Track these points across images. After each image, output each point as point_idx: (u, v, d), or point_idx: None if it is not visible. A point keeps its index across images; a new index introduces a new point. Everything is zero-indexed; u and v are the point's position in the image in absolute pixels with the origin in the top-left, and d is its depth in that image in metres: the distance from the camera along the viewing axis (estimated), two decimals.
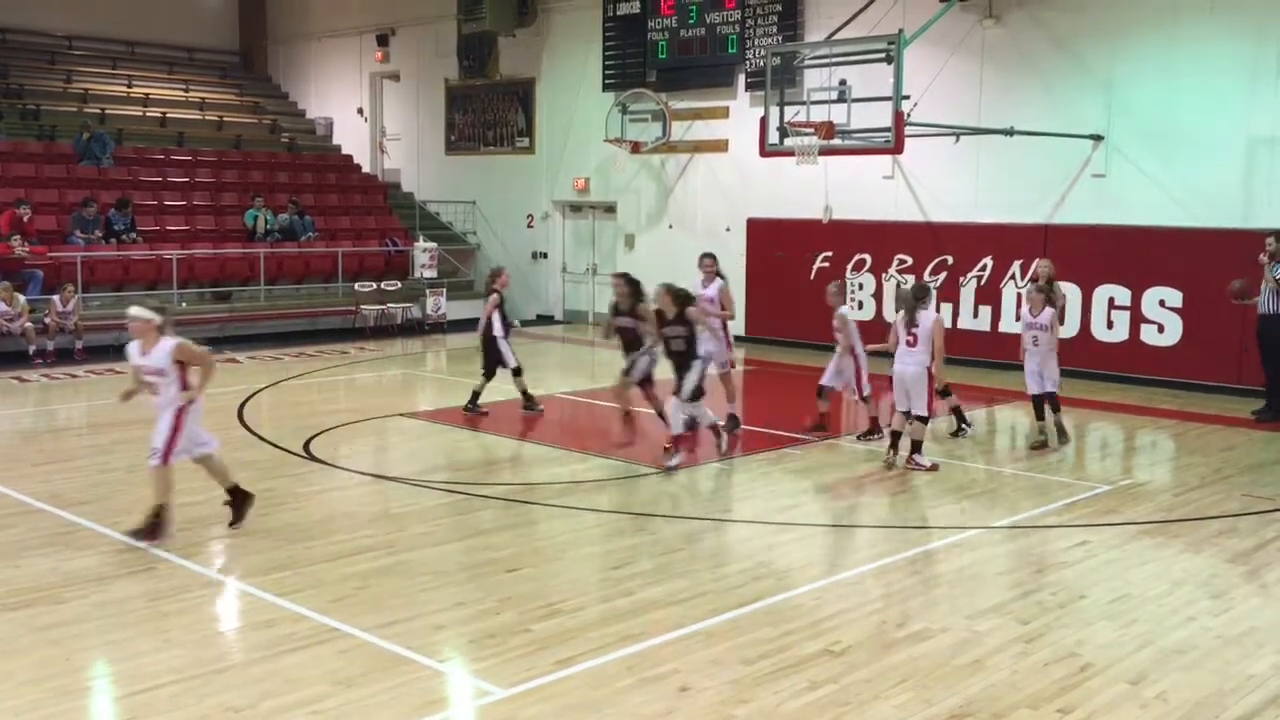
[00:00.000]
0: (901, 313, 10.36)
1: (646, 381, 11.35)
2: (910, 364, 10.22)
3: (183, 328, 18.89)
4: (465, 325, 21.96)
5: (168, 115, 24.47)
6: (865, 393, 11.76)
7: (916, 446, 10.36)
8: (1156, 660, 6.17)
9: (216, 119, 25.27)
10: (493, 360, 12.85)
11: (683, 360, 10.38)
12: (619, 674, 5.89)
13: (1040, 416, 11.52)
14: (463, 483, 9.89)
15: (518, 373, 12.87)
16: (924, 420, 10.31)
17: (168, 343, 7.94)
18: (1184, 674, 5.99)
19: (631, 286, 11.28)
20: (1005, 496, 9.76)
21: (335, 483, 10.08)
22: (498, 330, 12.80)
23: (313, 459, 10.77)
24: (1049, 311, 11.38)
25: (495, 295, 12.83)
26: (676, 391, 10.37)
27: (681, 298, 10.49)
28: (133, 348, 8.13)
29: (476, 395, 12.85)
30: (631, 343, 11.25)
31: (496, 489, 9.73)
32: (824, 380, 11.86)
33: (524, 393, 12.90)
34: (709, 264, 12.19)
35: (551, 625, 6.54)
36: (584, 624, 6.57)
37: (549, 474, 10.37)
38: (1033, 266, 15.20)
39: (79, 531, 8.35)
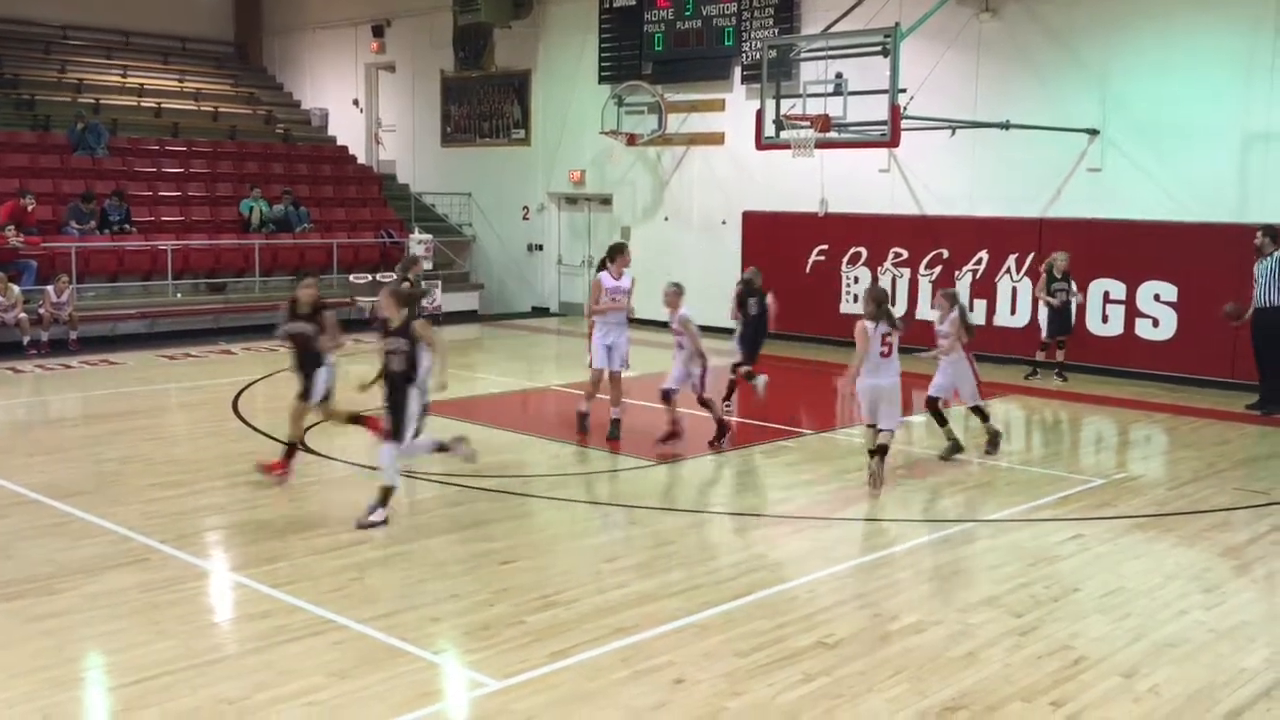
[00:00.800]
0: (881, 322, 9.37)
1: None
2: (890, 376, 9.42)
3: (178, 319, 18.96)
4: (461, 317, 21.98)
5: (162, 106, 24.40)
6: (706, 394, 11.18)
7: (883, 451, 9.54)
8: (1149, 653, 6.19)
9: (211, 110, 25.21)
10: None
11: (398, 385, 8.36)
12: (613, 666, 5.90)
13: (942, 422, 10.86)
14: (458, 475, 9.88)
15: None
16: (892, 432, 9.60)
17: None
18: (1176, 667, 6.01)
19: (320, 292, 9.65)
20: (999, 490, 9.77)
21: (331, 474, 10.08)
22: None
23: (308, 451, 10.76)
24: (951, 318, 10.74)
25: (409, 284, 12.63)
26: (391, 434, 8.37)
27: (406, 299, 8.66)
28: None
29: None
30: (307, 356, 9.64)
31: (491, 481, 9.73)
32: (669, 384, 11.03)
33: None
34: (673, 294, 11.29)
35: (546, 617, 6.55)
36: (578, 616, 6.57)
37: (545, 466, 10.37)
38: (1048, 259, 15.23)
39: (73, 522, 8.34)
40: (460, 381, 13.21)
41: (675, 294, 11.19)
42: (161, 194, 21.18)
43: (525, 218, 23.43)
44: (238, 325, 19.11)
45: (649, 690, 5.63)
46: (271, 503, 8.94)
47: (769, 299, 13.01)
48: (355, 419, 9.93)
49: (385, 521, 8.24)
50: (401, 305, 8.52)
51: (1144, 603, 6.99)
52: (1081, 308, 15.59)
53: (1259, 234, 13.16)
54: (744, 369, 12.64)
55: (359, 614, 6.53)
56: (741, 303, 13.01)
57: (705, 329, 20.10)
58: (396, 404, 8.36)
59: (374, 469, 10.15)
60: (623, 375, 11.49)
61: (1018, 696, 5.60)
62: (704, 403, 11.19)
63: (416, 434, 8.98)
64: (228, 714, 5.31)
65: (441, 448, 9.04)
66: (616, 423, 11.33)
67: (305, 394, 9.62)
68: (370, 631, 6.30)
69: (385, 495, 8.35)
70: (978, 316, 16.98)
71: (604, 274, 11.50)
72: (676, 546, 7.94)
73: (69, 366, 15.95)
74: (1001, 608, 6.82)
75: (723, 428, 11.25)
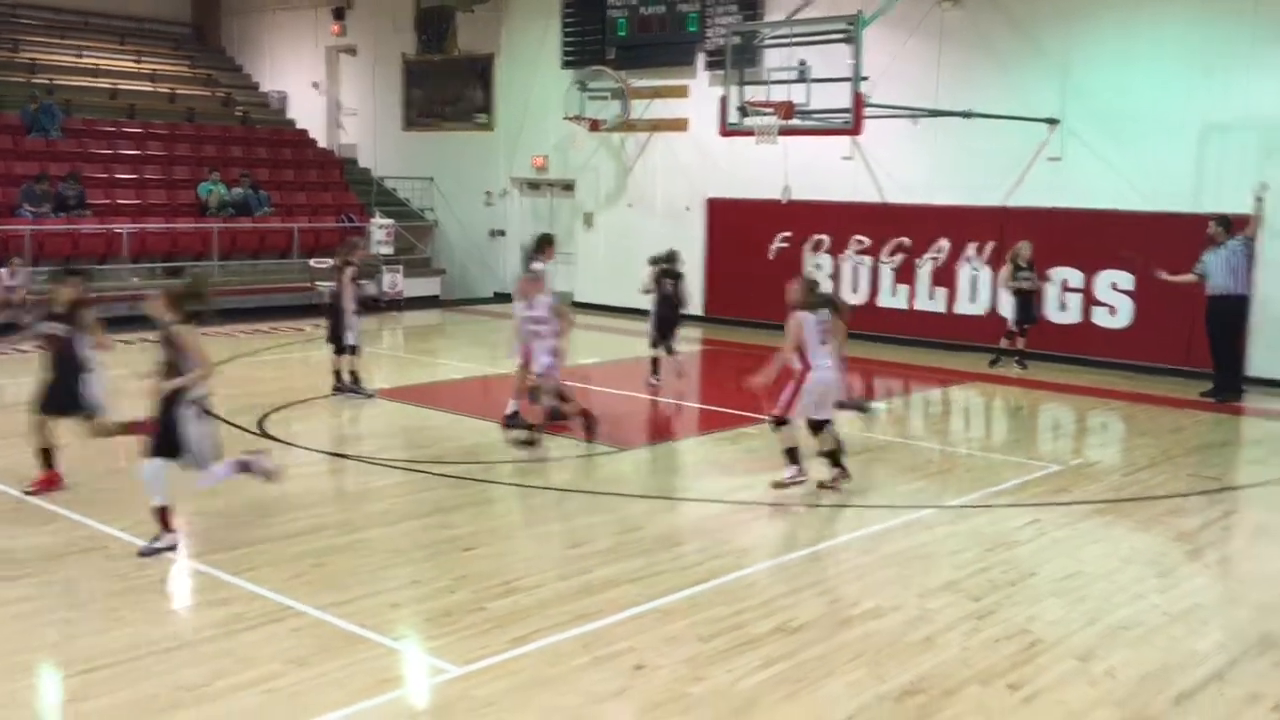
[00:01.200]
0: (822, 312, 8.88)
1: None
2: (833, 368, 8.88)
3: (135, 303, 18.69)
4: (422, 303, 21.87)
5: (119, 87, 24.03)
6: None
7: (794, 455, 8.91)
8: (1104, 636, 6.27)
9: (169, 91, 24.86)
10: (338, 334, 12.45)
11: (166, 397, 7.33)
12: (574, 652, 5.90)
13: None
14: (419, 460, 9.84)
15: (353, 350, 12.48)
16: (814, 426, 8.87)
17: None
18: (1131, 650, 6.10)
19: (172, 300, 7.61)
20: (959, 476, 9.86)
21: (290, 460, 9.98)
22: (350, 305, 12.39)
23: (267, 436, 10.67)
24: (542, 300, 10.42)
25: (352, 269, 12.50)
26: (158, 448, 7.32)
27: (178, 299, 7.60)
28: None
29: (339, 374, 12.57)
30: (62, 360, 8.57)
31: (453, 467, 9.69)
32: (539, 370, 10.35)
33: (353, 373, 12.54)
34: (528, 282, 10.78)
35: (507, 604, 6.54)
36: (540, 602, 6.57)
37: (506, 452, 10.34)
38: (1014, 248, 15.32)
39: (28, 509, 8.22)
40: (421, 367, 13.17)
41: (530, 282, 10.55)
42: (117, 176, 20.88)
43: (488, 203, 23.32)
44: (199, 309, 18.84)
45: (610, 676, 5.64)
46: (229, 490, 8.84)
47: (682, 282, 13.55)
48: (127, 428, 8.72)
49: (173, 548, 7.30)
50: (174, 306, 7.45)
51: (1100, 587, 7.08)
52: (1039, 295, 15.70)
53: (1212, 223, 13.36)
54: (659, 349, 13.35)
55: (318, 600, 6.49)
56: (659, 282, 13.40)
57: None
58: (166, 419, 7.32)
59: (333, 455, 10.12)
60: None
61: (975, 680, 5.66)
62: (532, 394, 10.39)
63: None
64: (185, 701, 5.27)
65: (244, 467, 7.84)
66: (514, 415, 10.75)
67: (47, 404, 8.51)
68: (330, 618, 6.26)
69: (162, 516, 7.32)
70: (938, 304, 17.14)
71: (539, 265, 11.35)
72: (638, 533, 7.95)
73: (21, 350, 15.70)
74: (960, 592, 6.89)
75: (589, 421, 10.50)
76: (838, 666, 5.79)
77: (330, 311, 12.74)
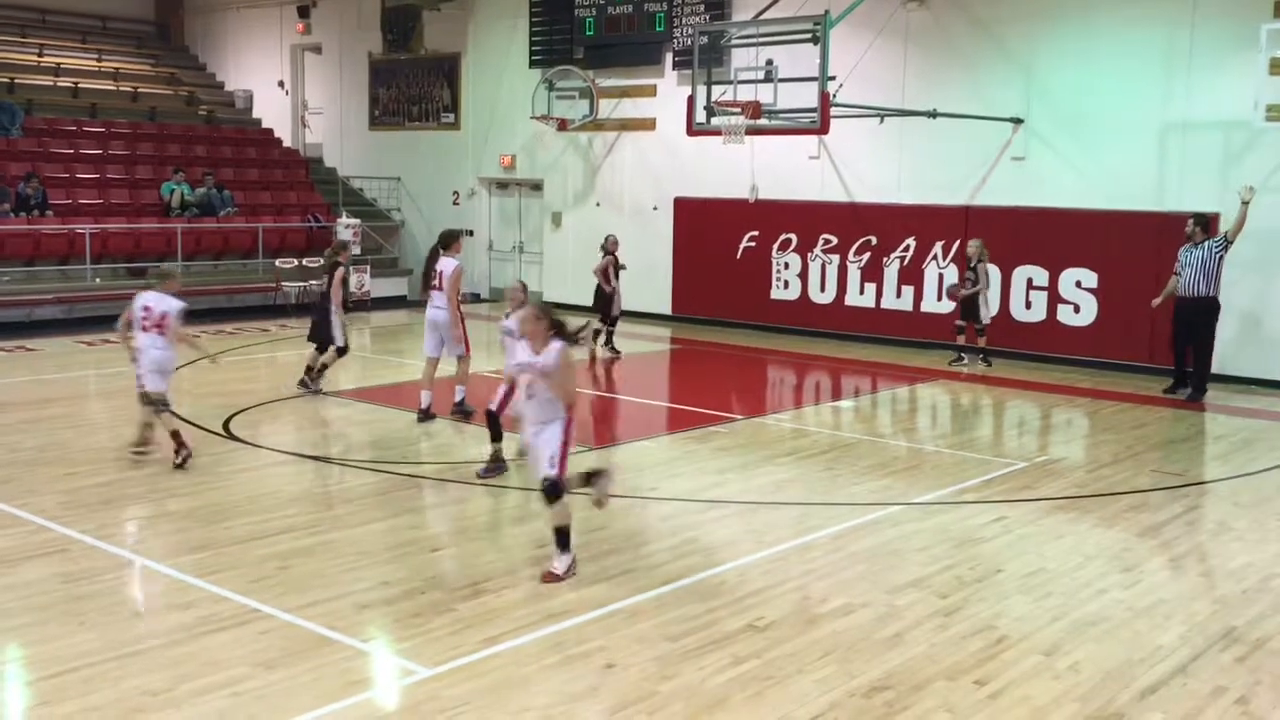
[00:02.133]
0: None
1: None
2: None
3: (96, 304, 18.53)
4: (390, 303, 21.76)
5: (80, 85, 23.76)
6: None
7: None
8: (1069, 632, 6.33)
9: (131, 90, 24.60)
10: (324, 334, 12.52)
11: None
12: (544, 652, 5.89)
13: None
14: (386, 461, 9.79)
15: (342, 351, 12.60)
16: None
17: (557, 344, 6.85)
18: (1096, 645, 6.16)
19: None
20: (925, 473, 9.92)
21: (256, 462, 9.92)
22: (338, 304, 12.42)
23: (233, 438, 10.59)
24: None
25: (341, 269, 12.54)
26: None
27: None
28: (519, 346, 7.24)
29: (310, 369, 12.62)
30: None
31: (421, 468, 9.65)
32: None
33: (324, 367, 12.61)
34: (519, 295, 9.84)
35: (476, 605, 6.52)
36: (509, 603, 6.55)
37: (474, 453, 10.30)
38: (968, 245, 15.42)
39: None
40: (389, 368, 13.10)
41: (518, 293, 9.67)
42: (79, 176, 20.65)
43: (455, 203, 23.23)
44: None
45: (580, 675, 5.64)
46: (195, 492, 8.78)
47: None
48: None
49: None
50: None
51: (1064, 582, 7.14)
52: (983, 296, 15.48)
53: (1190, 222, 13.36)
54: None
55: (286, 603, 6.45)
56: (613, 274, 15.33)
57: (638, 315, 20.18)
58: None
59: (300, 456, 10.04)
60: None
61: (942, 675, 5.70)
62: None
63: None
64: (150, 706, 5.21)
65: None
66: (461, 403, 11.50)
67: None
68: (298, 620, 6.22)
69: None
70: (905, 303, 17.24)
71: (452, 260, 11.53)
72: (607, 532, 7.95)
73: (6, 350, 15.50)
74: (927, 589, 6.93)
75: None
76: (807, 664, 5.82)
77: (316, 310, 12.70)
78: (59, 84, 23.60)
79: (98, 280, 18.87)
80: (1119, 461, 10.43)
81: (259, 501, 8.53)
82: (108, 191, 20.59)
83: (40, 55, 24.66)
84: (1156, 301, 13.70)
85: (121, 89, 24.53)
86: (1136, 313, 14.87)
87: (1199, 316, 13.24)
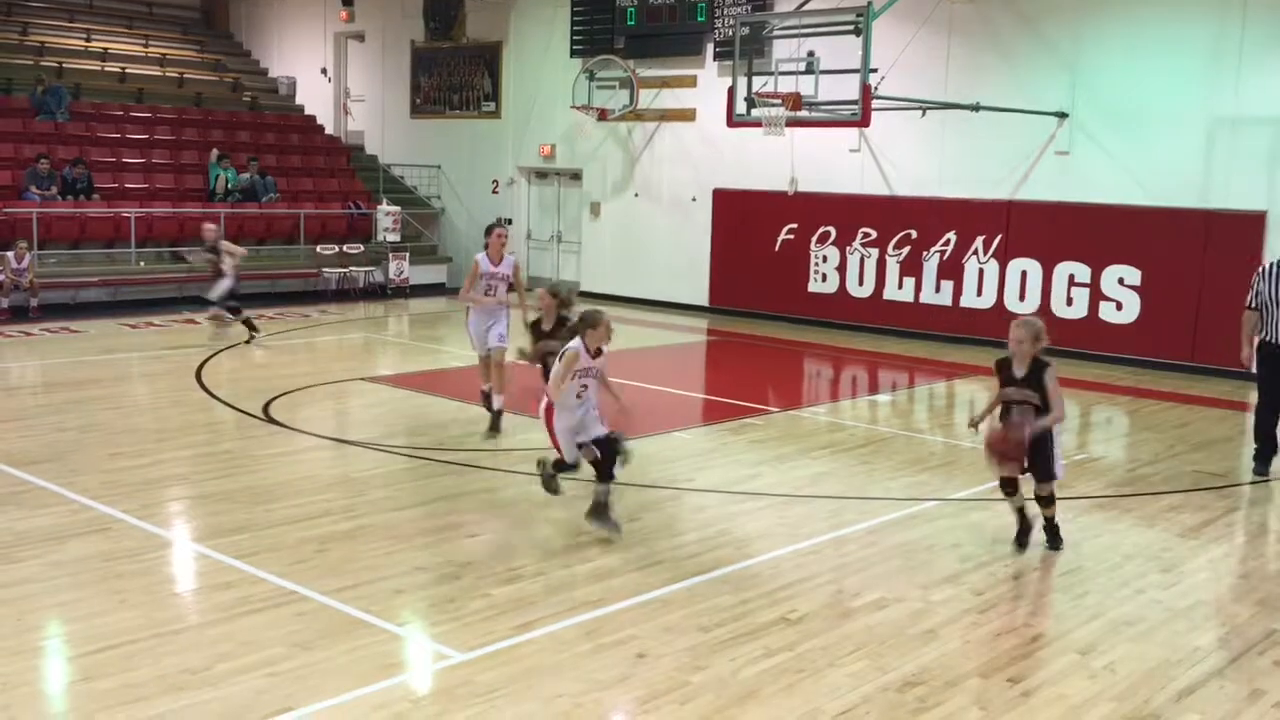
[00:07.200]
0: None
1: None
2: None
3: (140, 288, 18.75)
4: (428, 290, 21.88)
5: (127, 71, 24.05)
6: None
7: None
8: (1106, 631, 6.28)
9: (177, 75, 24.86)
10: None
11: None
12: (577, 639, 5.92)
13: None
14: (424, 447, 9.86)
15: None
16: None
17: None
18: (1132, 645, 6.10)
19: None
20: (962, 470, 9.86)
21: (295, 446, 10.02)
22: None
23: (272, 422, 10.70)
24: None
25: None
26: None
27: None
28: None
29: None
30: None
31: (458, 454, 9.71)
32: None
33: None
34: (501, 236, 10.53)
35: (511, 590, 6.56)
36: (543, 590, 6.59)
37: (510, 440, 10.35)
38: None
39: (32, 490, 8.25)
40: (427, 354, 13.18)
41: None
42: (125, 160, 20.90)
43: (495, 191, 23.31)
44: (201, 295, 18.89)
45: (612, 664, 5.66)
46: (235, 474, 8.89)
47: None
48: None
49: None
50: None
51: (1102, 581, 7.08)
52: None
53: None
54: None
55: (323, 586, 6.52)
56: None
57: (673, 305, 20.19)
58: None
59: (338, 441, 10.13)
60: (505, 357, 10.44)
61: (976, 673, 5.67)
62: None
63: None
64: (190, 684, 5.29)
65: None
66: (498, 415, 10.41)
67: None
68: (334, 603, 6.29)
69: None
70: (944, 297, 17.11)
71: (482, 255, 10.39)
72: (641, 522, 7.96)
73: (29, 334, 15.74)
74: (962, 585, 6.90)
75: None
76: (839, 657, 5.81)
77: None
78: (106, 69, 23.90)
79: (142, 264, 19.11)
80: (1160, 460, 10.31)
81: (297, 485, 8.61)
82: (153, 176, 20.84)
83: (88, 40, 24.98)
84: (1246, 356, 9.93)
85: (167, 75, 24.79)
86: (1180, 310, 14.69)
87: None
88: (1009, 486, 7.53)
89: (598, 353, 7.48)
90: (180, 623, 6.02)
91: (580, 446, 7.48)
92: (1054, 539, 7.64)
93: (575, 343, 7.44)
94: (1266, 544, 8.11)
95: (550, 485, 7.83)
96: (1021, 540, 7.63)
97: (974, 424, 7.74)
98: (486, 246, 10.45)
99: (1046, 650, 6.00)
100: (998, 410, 7.60)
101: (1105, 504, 8.87)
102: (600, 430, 7.47)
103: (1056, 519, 7.66)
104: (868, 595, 6.69)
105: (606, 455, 7.41)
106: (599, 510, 7.49)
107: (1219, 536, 8.21)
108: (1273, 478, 9.81)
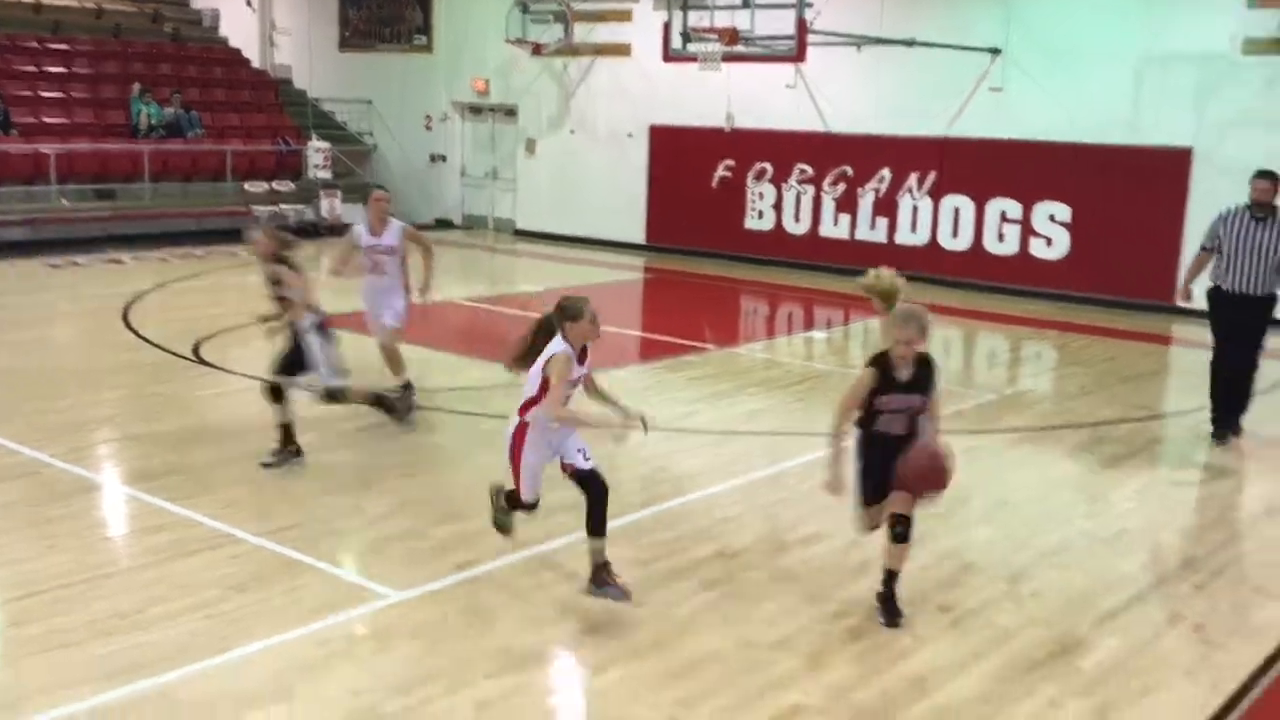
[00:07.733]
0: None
1: None
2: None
3: (63, 225, 18.21)
4: None
5: (42, 2, 23.15)
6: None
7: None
8: (1033, 560, 6.44)
9: (94, 6, 23.98)
10: None
11: None
12: (516, 577, 5.94)
13: None
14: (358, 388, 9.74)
15: None
16: None
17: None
18: (1059, 573, 6.27)
19: None
20: None
21: (227, 387, 9.87)
22: None
23: (203, 363, 10.52)
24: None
25: None
26: None
27: None
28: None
29: None
30: None
31: (391, 394, 9.60)
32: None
33: None
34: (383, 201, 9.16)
35: (448, 530, 6.55)
36: (480, 529, 6.57)
37: (447, 380, 10.29)
38: None
39: None
40: (359, 293, 12.94)
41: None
42: (43, 94, 20.20)
43: (428, 127, 22.91)
44: (127, 233, 18.44)
45: (551, 600, 5.69)
46: (166, 416, 8.74)
47: None
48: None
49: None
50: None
51: (1029, 512, 7.25)
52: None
53: (1263, 181, 8.71)
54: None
55: (257, 527, 6.46)
56: None
57: (610, 243, 20.09)
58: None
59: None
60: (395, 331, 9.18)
61: (907, 602, 5.77)
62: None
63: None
64: (120, 628, 5.23)
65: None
66: (407, 388, 8.87)
67: None
68: (269, 544, 6.24)
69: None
70: (879, 234, 17.21)
71: (360, 226, 9.12)
72: None
73: None
74: None
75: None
76: (774, 590, 5.89)
77: None
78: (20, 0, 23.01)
79: (64, 201, 18.56)
80: (1087, 394, 10.53)
81: (229, 426, 8.50)
82: (72, 110, 20.18)
83: None
84: (1184, 292, 9.36)
85: (84, 5, 23.92)
86: (1108, 246, 14.91)
87: (1257, 321, 8.91)
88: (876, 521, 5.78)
89: (584, 354, 5.84)
90: (112, 567, 5.95)
91: (563, 468, 5.85)
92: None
93: (559, 344, 5.68)
94: (1188, 473, 8.34)
95: (502, 524, 6.08)
96: None
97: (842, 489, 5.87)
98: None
99: (976, 579, 6.15)
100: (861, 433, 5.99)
101: (1034, 436, 9.05)
102: (583, 462, 5.81)
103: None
104: (802, 530, 6.78)
105: (596, 497, 5.70)
106: (600, 576, 5.64)
107: (1143, 467, 8.43)
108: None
